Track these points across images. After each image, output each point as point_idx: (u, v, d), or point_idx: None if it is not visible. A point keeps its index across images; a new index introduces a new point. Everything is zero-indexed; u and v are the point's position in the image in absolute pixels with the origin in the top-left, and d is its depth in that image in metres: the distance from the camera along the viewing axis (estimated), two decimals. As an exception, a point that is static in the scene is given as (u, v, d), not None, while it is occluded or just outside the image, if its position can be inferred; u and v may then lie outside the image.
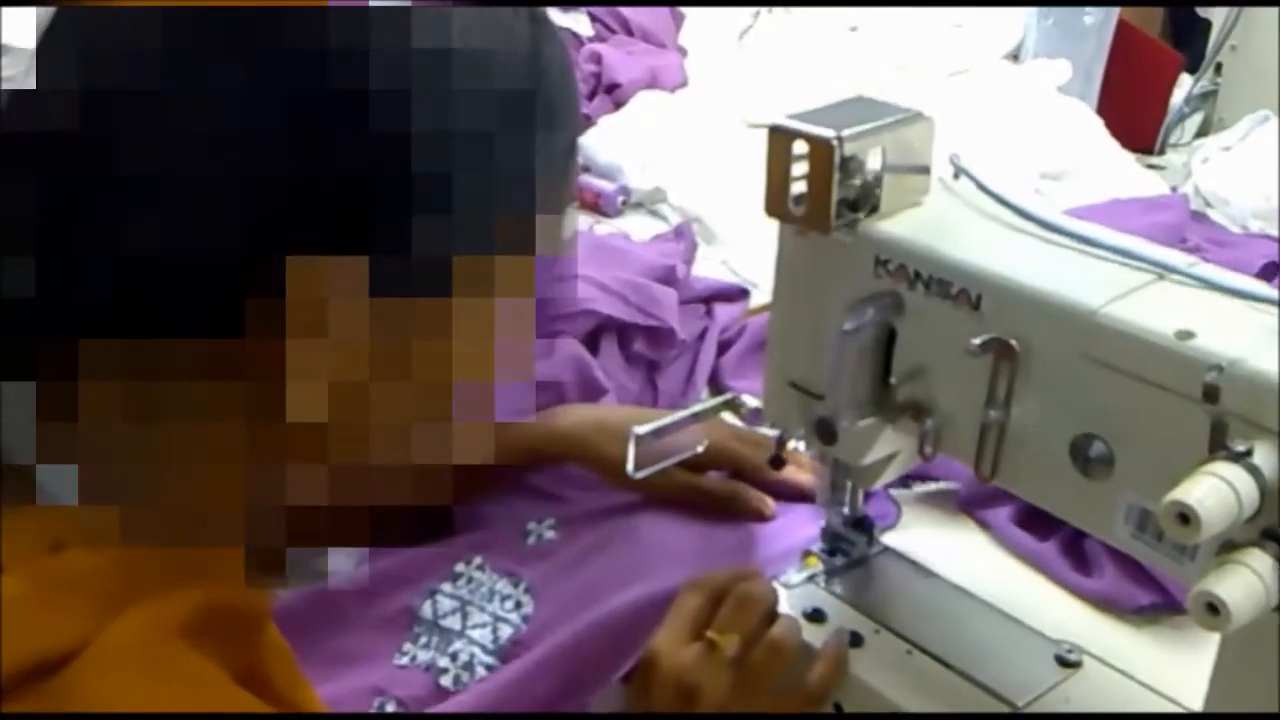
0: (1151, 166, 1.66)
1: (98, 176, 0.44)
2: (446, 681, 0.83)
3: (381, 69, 0.44)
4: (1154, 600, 0.82)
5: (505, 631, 0.86)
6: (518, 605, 0.88)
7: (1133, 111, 1.69)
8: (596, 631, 0.81)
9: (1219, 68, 1.74)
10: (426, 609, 0.88)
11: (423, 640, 0.87)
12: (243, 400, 0.46)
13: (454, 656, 0.85)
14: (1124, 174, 1.52)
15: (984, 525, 0.93)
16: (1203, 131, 1.76)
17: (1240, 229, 1.44)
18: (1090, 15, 1.67)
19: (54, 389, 0.46)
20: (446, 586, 0.89)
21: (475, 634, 0.86)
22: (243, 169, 0.43)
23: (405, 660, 0.86)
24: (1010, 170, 1.43)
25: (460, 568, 0.90)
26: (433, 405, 0.49)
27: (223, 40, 0.44)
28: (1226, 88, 1.74)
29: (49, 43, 0.46)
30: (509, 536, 0.92)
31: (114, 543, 0.46)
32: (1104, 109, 1.65)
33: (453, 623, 0.87)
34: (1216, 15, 1.76)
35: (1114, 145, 1.56)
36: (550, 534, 0.92)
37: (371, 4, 0.45)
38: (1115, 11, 1.68)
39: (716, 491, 0.92)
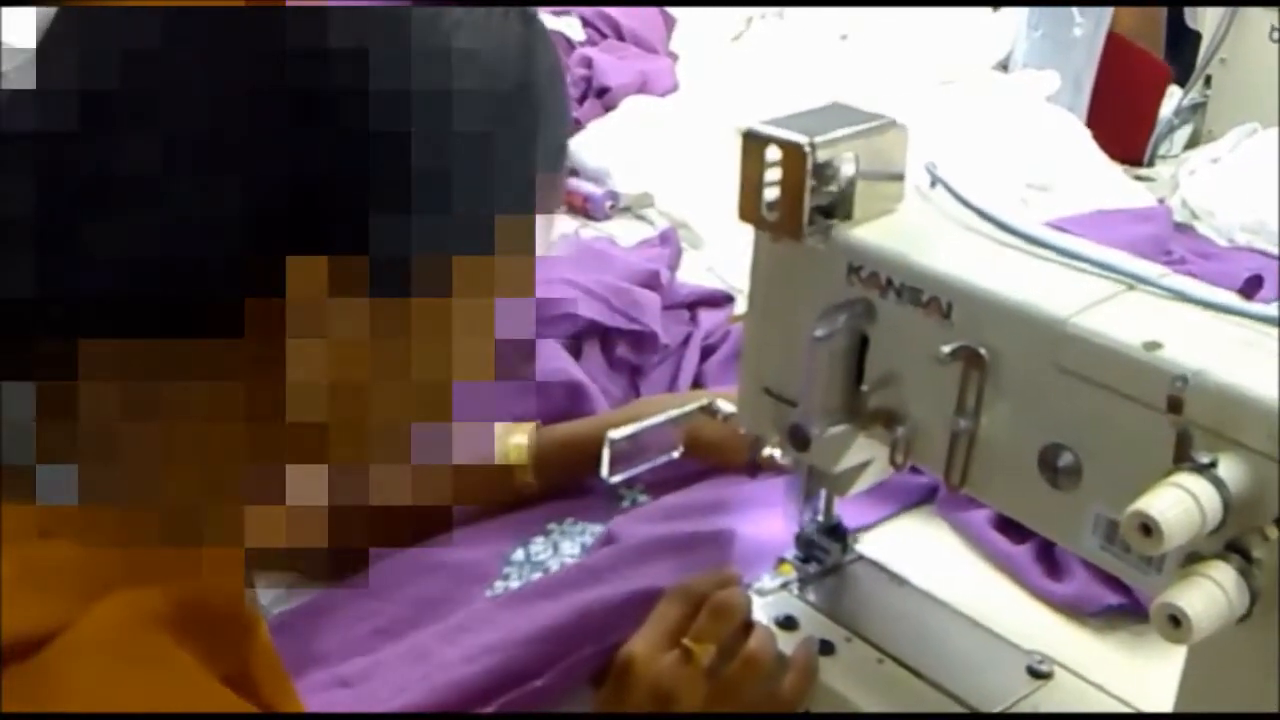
0: (1140, 178, 1.66)
1: (96, 176, 0.44)
2: None
3: (379, 69, 0.45)
4: (1121, 601, 0.83)
5: (591, 542, 0.92)
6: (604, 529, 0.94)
7: (1122, 123, 1.69)
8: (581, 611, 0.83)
9: (1208, 80, 1.74)
10: (519, 554, 0.93)
11: (513, 576, 0.91)
12: (243, 400, 0.46)
13: (546, 572, 0.90)
14: (1110, 185, 1.52)
15: (960, 528, 0.93)
16: (1192, 143, 1.75)
17: (1227, 241, 1.44)
18: (1080, 26, 1.67)
19: (53, 389, 0.46)
20: (539, 539, 0.94)
21: (567, 555, 0.92)
22: (242, 169, 0.44)
23: (498, 593, 0.89)
24: (996, 180, 1.43)
25: (552, 525, 0.95)
26: (431, 406, 0.49)
27: (220, 41, 0.44)
28: (1216, 100, 1.74)
29: (49, 43, 0.46)
30: (602, 502, 0.97)
31: (106, 538, 0.46)
32: (1093, 120, 1.65)
33: (545, 559, 0.93)
34: (1206, 27, 1.76)
35: (1101, 156, 1.56)
36: (643, 498, 0.98)
37: (368, 4, 0.45)
38: (1105, 23, 1.68)
39: None
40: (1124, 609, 0.83)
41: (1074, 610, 0.84)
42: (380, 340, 0.46)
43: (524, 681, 0.79)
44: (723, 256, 1.37)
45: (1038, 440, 0.63)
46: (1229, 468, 0.55)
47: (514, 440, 0.97)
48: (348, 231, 0.45)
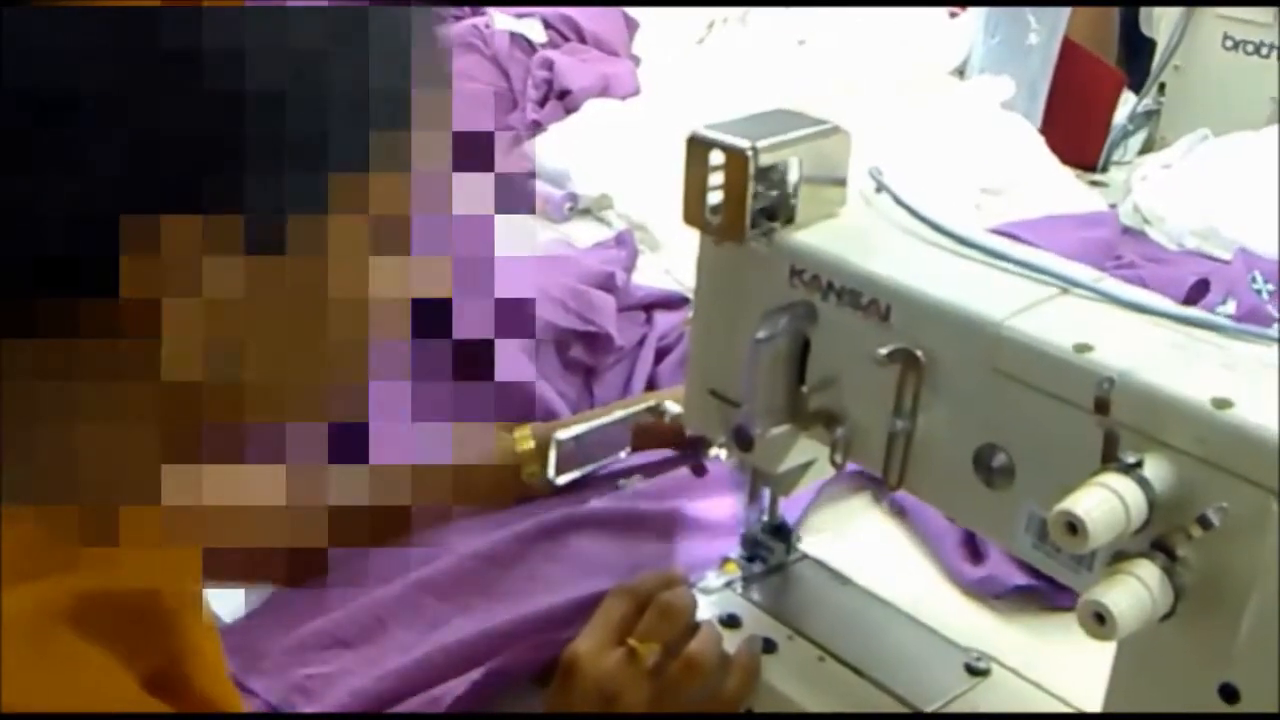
0: (1095, 184, 1.68)
1: None
2: None
3: (252, 29, 0.44)
4: (1029, 582, 0.86)
5: None
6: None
7: (1077, 129, 1.71)
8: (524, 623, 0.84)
9: (1162, 87, 1.76)
10: None
11: None
12: (126, 361, 0.46)
13: None
14: (1063, 190, 1.54)
15: (898, 508, 0.95)
16: (1146, 149, 1.77)
17: (1177, 246, 1.46)
18: (1035, 33, 1.69)
19: None
20: None
21: None
22: (115, 128, 0.43)
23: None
24: (951, 184, 1.45)
25: None
26: (309, 366, 0.49)
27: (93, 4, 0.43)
28: (1169, 107, 1.76)
29: None
30: (601, 491, 0.98)
31: (22, 530, 0.46)
32: (1048, 126, 1.67)
33: None
34: (1161, 34, 1.79)
35: (1054, 162, 1.58)
36: (641, 485, 0.98)
37: None
38: (1060, 30, 1.70)
39: None
40: (1034, 590, 0.86)
41: (983, 592, 0.88)
42: (257, 299, 0.46)
43: (522, 640, 0.81)
44: (680, 259, 1.37)
45: (972, 440, 0.64)
46: (1154, 467, 0.56)
47: (519, 435, 0.98)
48: (221, 191, 0.45)
